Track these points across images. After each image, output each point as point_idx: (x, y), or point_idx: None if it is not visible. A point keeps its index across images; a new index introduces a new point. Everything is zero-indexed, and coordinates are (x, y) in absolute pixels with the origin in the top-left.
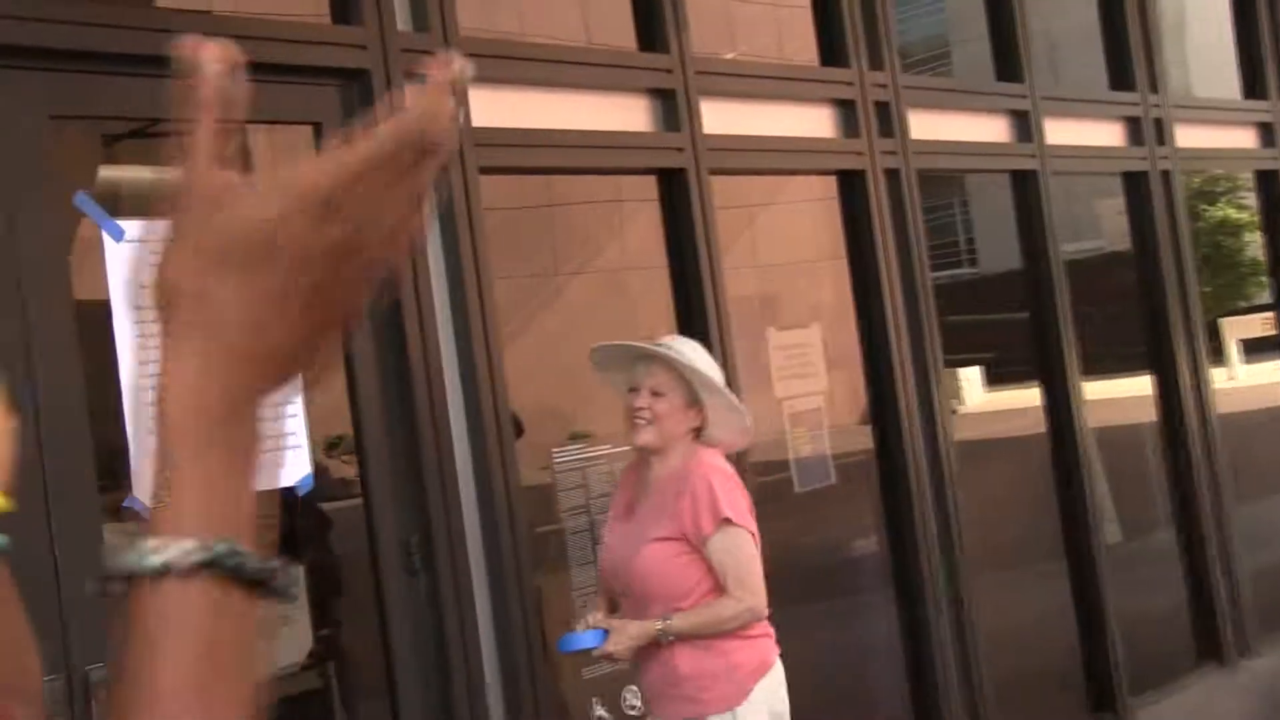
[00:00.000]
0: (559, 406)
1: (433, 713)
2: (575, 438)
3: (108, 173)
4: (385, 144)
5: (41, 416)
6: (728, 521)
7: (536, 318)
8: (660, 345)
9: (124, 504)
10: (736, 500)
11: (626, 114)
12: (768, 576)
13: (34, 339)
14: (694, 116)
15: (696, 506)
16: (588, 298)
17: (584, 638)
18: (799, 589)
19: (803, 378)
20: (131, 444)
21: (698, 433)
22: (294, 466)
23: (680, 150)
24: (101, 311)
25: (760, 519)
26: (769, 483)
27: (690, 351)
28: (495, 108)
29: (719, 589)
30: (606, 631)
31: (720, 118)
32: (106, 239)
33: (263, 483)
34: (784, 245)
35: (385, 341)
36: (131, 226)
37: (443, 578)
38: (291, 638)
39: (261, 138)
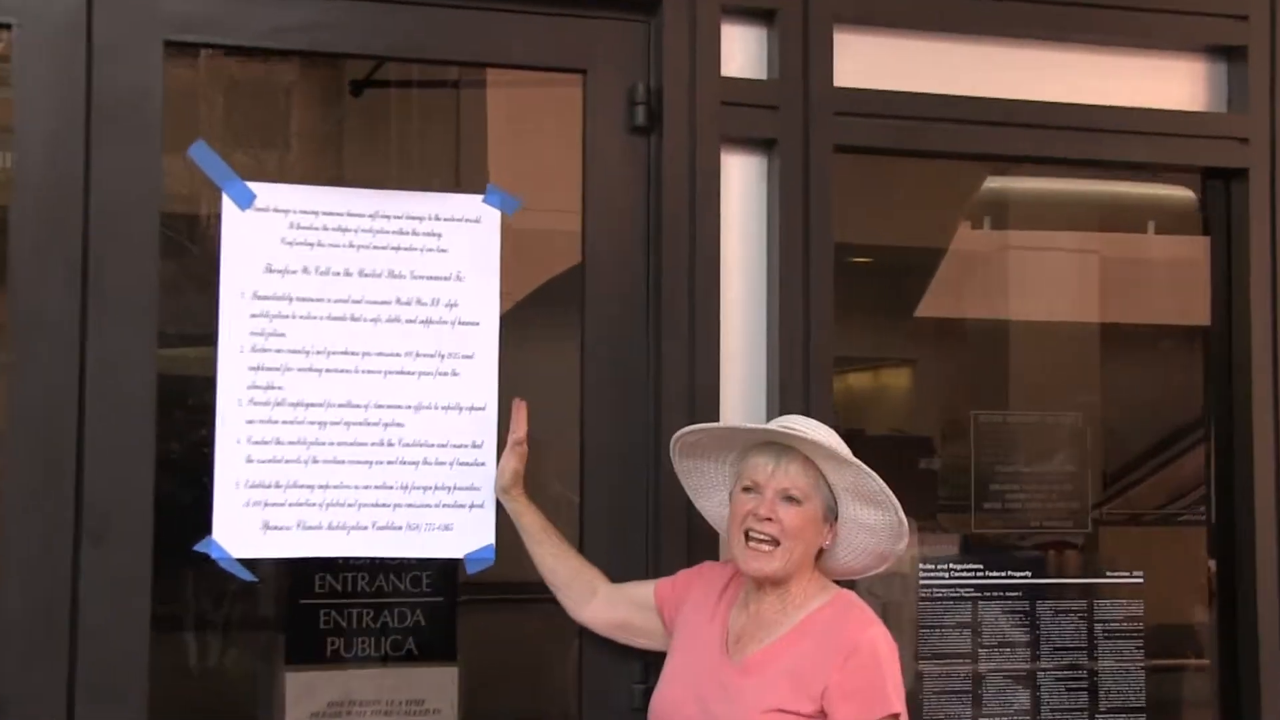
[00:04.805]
0: None
1: None
2: None
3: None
4: None
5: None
6: (894, 718)
7: None
8: (797, 429)
9: (195, 547)
10: (901, 683)
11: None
12: None
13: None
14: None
15: (855, 686)
16: None
17: None
18: None
19: None
20: (217, 480)
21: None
22: (471, 533)
23: (1244, 141)
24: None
25: None
26: None
27: (837, 441)
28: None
29: None
30: None
31: None
32: (227, 204)
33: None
34: None
35: None
36: (264, 191)
37: None
38: None
39: None
